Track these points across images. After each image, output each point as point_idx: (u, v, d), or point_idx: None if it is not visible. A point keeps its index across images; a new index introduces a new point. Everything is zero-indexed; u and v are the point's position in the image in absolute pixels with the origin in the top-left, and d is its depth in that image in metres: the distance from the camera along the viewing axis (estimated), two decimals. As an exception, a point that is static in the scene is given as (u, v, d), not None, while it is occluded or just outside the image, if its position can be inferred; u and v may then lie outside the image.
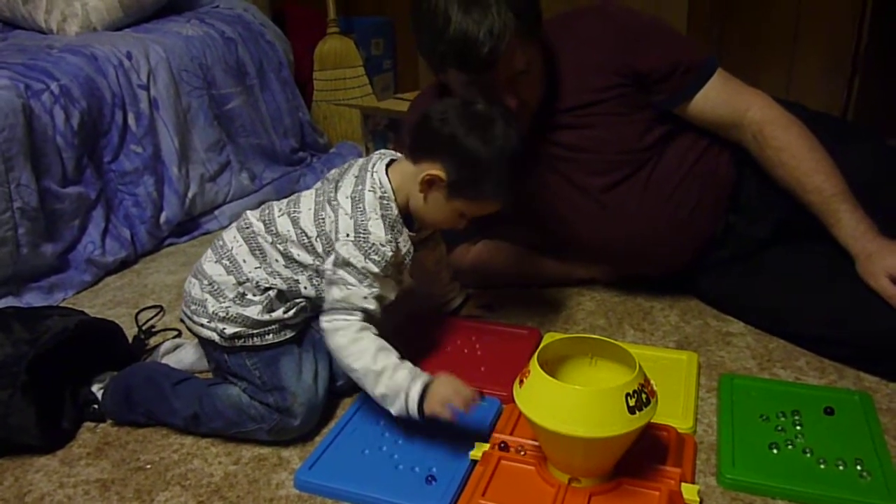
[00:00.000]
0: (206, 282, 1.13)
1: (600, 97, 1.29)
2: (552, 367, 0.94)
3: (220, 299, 1.11)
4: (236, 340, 1.11)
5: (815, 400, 1.10)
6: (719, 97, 1.29)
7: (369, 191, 1.09)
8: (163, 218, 1.88)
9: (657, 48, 1.27)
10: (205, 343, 1.16)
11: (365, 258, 1.06)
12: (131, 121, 1.82)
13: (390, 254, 1.07)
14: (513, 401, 0.92)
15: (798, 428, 1.05)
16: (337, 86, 2.67)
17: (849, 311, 1.20)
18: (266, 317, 1.10)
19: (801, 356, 1.25)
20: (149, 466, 1.06)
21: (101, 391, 1.16)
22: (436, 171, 1.07)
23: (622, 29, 1.28)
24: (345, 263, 1.06)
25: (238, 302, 1.11)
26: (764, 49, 2.36)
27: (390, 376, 1.01)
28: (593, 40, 1.29)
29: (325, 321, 1.08)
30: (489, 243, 1.52)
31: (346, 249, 1.06)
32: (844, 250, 1.24)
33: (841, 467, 0.96)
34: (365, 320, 1.07)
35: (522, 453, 0.99)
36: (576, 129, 1.31)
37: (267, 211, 1.15)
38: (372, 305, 1.07)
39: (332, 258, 1.08)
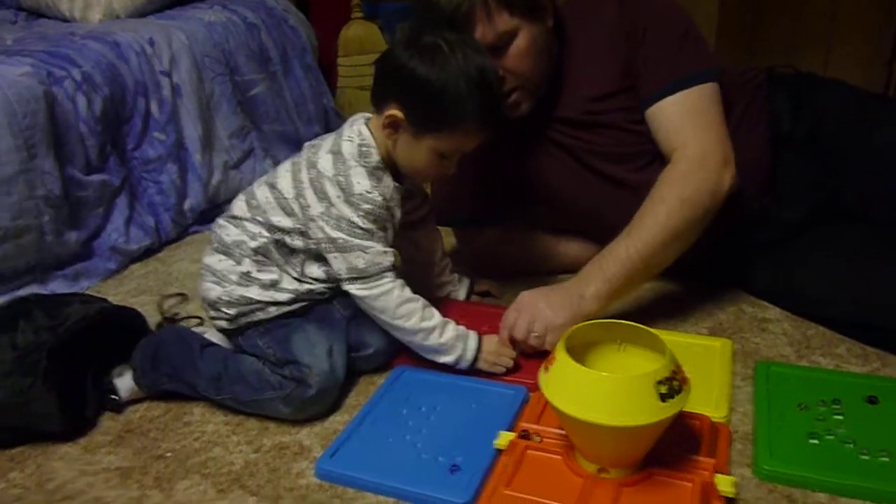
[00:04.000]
0: (209, 274, 1.16)
1: (615, 87, 1.26)
2: (579, 353, 0.90)
3: (225, 284, 1.14)
4: (241, 319, 1.14)
5: (857, 388, 1.06)
6: (665, 121, 1.20)
7: (346, 140, 1.10)
8: (186, 205, 1.87)
9: (649, 38, 1.22)
10: (223, 332, 1.20)
11: (356, 211, 1.07)
12: (154, 108, 1.81)
13: (379, 199, 1.08)
14: (538, 388, 0.89)
15: (839, 417, 1.00)
16: (362, 71, 2.64)
17: (889, 296, 1.15)
18: (266, 296, 1.13)
19: (842, 343, 1.20)
20: (169, 454, 1.05)
21: (120, 381, 1.16)
22: (392, 110, 1.06)
23: (633, 18, 1.23)
24: (350, 225, 1.07)
25: (242, 283, 1.13)
26: (802, 32, 2.28)
27: (441, 332, 1.10)
28: (608, 28, 1.26)
29: (359, 289, 1.09)
30: (515, 228, 1.49)
31: (342, 211, 1.07)
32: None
33: (885, 458, 0.92)
34: (397, 276, 1.10)
35: (539, 440, 0.97)
36: (595, 116, 1.28)
37: (248, 189, 1.18)
38: (392, 258, 1.10)
39: (328, 227, 1.08)
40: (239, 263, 1.14)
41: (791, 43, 2.28)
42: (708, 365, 1.13)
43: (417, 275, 1.35)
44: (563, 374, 0.85)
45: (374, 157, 1.10)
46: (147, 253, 1.77)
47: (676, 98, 1.19)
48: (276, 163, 2.11)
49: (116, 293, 1.57)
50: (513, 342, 1.15)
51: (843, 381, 1.09)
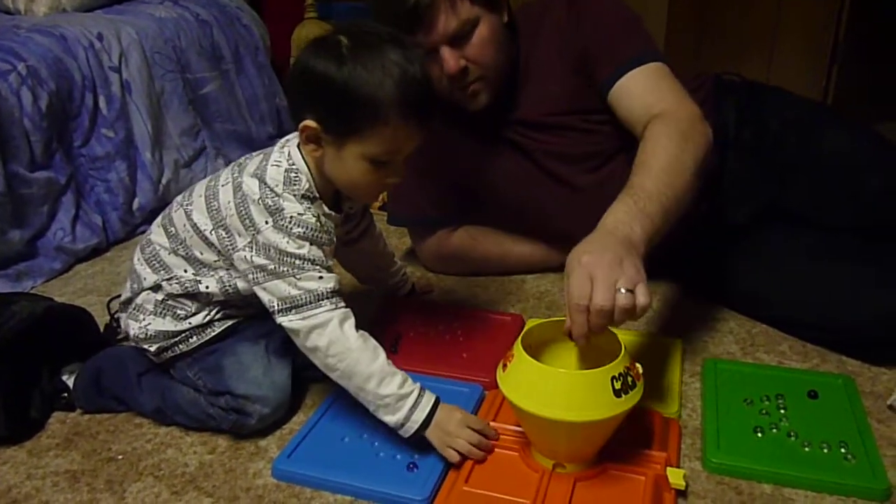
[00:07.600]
0: (127, 308, 1.10)
1: (570, 87, 1.28)
2: (536, 350, 0.92)
3: (140, 318, 1.07)
4: (164, 354, 1.07)
5: (799, 384, 1.10)
6: (637, 90, 1.20)
7: (273, 165, 0.99)
8: (136, 204, 1.83)
9: (600, 29, 1.24)
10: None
11: (289, 237, 0.95)
12: (102, 104, 1.77)
13: (313, 220, 0.97)
14: (496, 386, 0.90)
15: (782, 411, 1.04)
16: (314, 72, 2.63)
17: (830, 297, 1.19)
18: (183, 325, 1.06)
19: (784, 341, 1.25)
20: (120, 457, 1.03)
21: (72, 380, 1.13)
22: (306, 121, 0.94)
23: (582, 10, 1.26)
24: (279, 254, 0.95)
25: (158, 314, 1.06)
26: (744, 35, 2.35)
27: (380, 382, 0.94)
28: (559, 27, 1.28)
29: (292, 321, 0.96)
30: (469, 229, 1.50)
31: (271, 238, 0.96)
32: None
33: (825, 450, 0.96)
34: (338, 306, 0.96)
35: (496, 437, 0.98)
36: (553, 118, 1.30)
37: (165, 212, 1.08)
38: (331, 283, 0.97)
39: (255, 254, 0.97)
40: (154, 292, 1.06)
41: (735, 47, 2.35)
42: (658, 363, 1.16)
43: (368, 282, 1.35)
44: (521, 370, 0.86)
45: (303, 184, 0.98)
46: (94, 252, 1.73)
47: (640, 70, 1.20)
48: (229, 162, 2.07)
49: (62, 293, 1.53)
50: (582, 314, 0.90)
51: (785, 376, 1.13)
